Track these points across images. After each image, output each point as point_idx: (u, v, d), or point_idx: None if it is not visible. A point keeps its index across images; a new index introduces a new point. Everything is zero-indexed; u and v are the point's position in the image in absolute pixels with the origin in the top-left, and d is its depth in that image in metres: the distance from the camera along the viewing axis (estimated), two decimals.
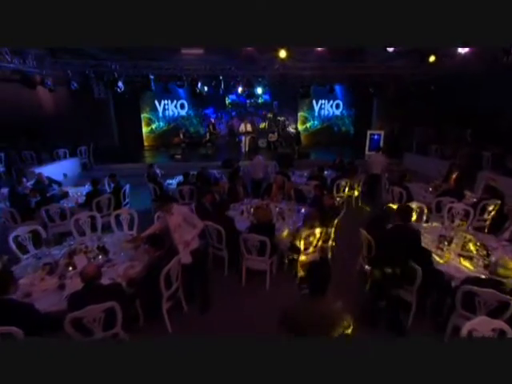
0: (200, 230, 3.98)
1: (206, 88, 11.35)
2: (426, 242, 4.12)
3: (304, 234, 4.46)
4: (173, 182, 7.62)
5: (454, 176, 6.34)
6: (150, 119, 14.83)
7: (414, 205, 5.42)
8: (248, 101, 14.44)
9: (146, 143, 14.99)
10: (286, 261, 4.96)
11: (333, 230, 4.97)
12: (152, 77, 8.74)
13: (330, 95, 13.36)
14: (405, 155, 11.49)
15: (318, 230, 4.51)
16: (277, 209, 5.53)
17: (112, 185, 6.76)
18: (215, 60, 9.05)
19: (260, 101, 14.68)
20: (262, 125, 14.17)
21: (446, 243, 3.92)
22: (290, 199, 6.35)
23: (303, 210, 5.43)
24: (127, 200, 6.83)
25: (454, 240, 3.98)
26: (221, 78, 9.20)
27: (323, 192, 5.72)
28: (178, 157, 12.20)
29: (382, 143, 12.28)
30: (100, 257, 3.78)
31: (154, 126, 15.00)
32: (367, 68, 9.02)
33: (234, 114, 14.89)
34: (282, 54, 7.12)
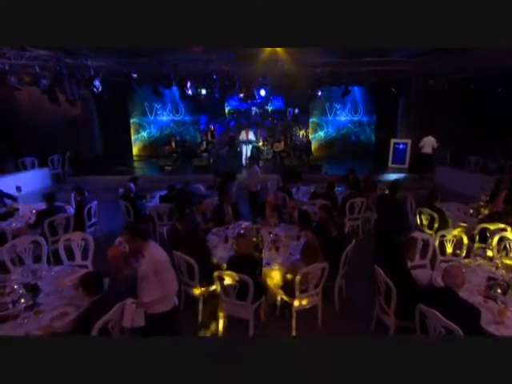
0: (167, 295, 3.15)
1: (203, 91, 11.01)
2: (467, 287, 3.35)
3: (301, 269, 3.78)
4: (149, 199, 7.12)
5: (502, 195, 5.56)
6: (140, 125, 14.59)
7: (450, 232, 4.68)
8: (254, 108, 13.94)
9: (135, 152, 14.71)
10: (279, 304, 4.28)
11: (341, 264, 4.32)
12: (135, 75, 8.41)
13: (346, 98, 12.81)
14: (437, 169, 10.76)
15: (319, 265, 3.83)
16: (270, 235, 4.89)
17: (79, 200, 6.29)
18: (209, 57, 8.68)
19: (269, 108, 14.17)
20: (269, 138, 13.54)
21: (499, 290, 3.13)
22: (293, 222, 5.69)
23: (303, 238, 4.77)
24: (94, 220, 6.33)
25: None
26: (215, 77, 8.80)
27: (331, 214, 5.04)
28: (169, 168, 11.85)
29: (408, 154, 11.58)
30: (23, 300, 3.18)
31: (145, 134, 14.74)
32: (389, 64, 8.47)
33: (232, 124, 14.19)
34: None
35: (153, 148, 14.45)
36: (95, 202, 6.32)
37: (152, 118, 14.52)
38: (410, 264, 3.96)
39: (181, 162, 12.50)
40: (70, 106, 9.77)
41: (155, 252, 3.11)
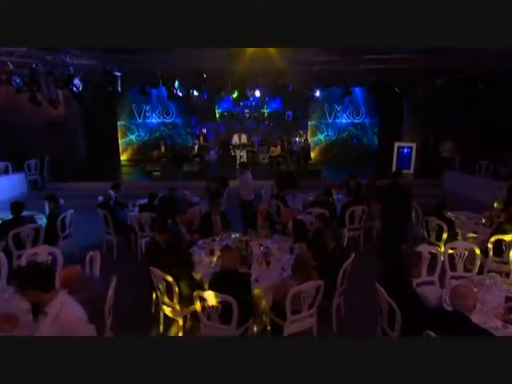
0: None
1: (195, 92, 10.82)
2: (483, 309, 3.06)
3: (292, 288, 3.50)
4: (131, 208, 6.87)
5: None
6: (128, 128, 14.43)
7: (460, 245, 4.41)
8: (248, 111, 13.69)
9: (123, 157, 14.52)
10: (269, 327, 3.98)
11: (339, 280, 4.04)
12: (118, 74, 8.19)
13: (347, 99, 12.71)
14: (445, 174, 10.56)
15: (313, 283, 3.54)
16: (261, 248, 4.63)
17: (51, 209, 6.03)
18: (199, 54, 8.51)
19: (266, 111, 13.96)
20: (264, 142, 13.31)
21: None
22: (287, 233, 5.41)
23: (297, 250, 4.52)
24: (68, 231, 6.04)
25: None
26: (205, 76, 8.61)
27: (328, 225, 4.79)
28: (157, 174, 11.65)
29: (413, 158, 11.45)
30: None
31: (133, 137, 14.59)
32: (392, 62, 8.33)
33: (221, 130, 13.86)
34: None
35: (141, 152, 14.27)
36: (70, 211, 6.02)
37: (141, 120, 14.39)
38: (416, 281, 3.70)
39: (170, 167, 12.25)
40: (51, 106, 9.58)
41: (63, 307, 2.40)
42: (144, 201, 6.82)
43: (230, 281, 3.54)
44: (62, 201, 6.31)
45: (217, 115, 13.96)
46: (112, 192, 6.50)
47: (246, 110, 13.68)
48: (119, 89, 8.37)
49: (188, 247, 4.91)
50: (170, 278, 3.74)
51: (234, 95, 9.33)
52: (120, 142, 14.43)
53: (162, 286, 3.90)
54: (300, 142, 13.13)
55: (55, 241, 5.58)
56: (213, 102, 13.21)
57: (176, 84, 8.52)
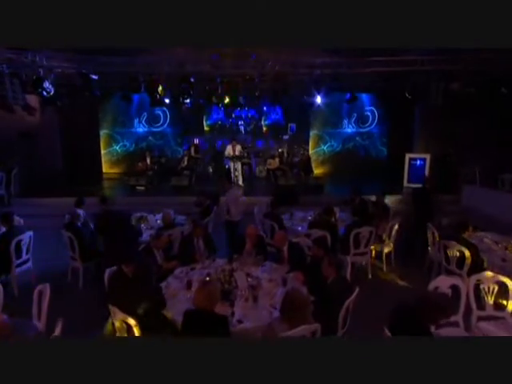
0: None
1: (187, 100, 10.58)
2: None
3: (281, 334, 3.04)
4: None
5: None
6: (111, 137, 14.35)
7: (487, 274, 3.95)
8: (241, 122, 13.34)
9: (105, 169, 14.40)
10: None
11: (341, 321, 3.61)
12: (95, 77, 7.94)
13: (352, 106, 12.68)
14: (464, 189, 10.30)
15: (307, 328, 3.09)
16: (248, 279, 4.20)
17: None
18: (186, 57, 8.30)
19: (263, 123, 13.65)
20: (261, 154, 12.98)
21: None
22: (282, 259, 4.97)
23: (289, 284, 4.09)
24: (26, 257, 5.61)
25: None
26: (192, 80, 8.36)
27: (327, 251, 4.35)
28: (141, 188, 11.48)
29: (427, 171, 11.20)
30: None
31: (117, 147, 14.50)
32: (402, 64, 8.18)
33: (205, 147, 13.30)
34: None
35: (126, 164, 14.19)
36: (28, 234, 5.57)
37: (126, 128, 14.30)
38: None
39: (157, 181, 12.11)
40: (27, 113, 9.32)
41: None
42: None
43: (202, 324, 3.10)
44: (21, 221, 5.90)
45: (205, 128, 13.69)
46: (80, 211, 6.09)
47: (241, 122, 13.36)
48: (97, 93, 8.11)
49: (162, 278, 4.47)
50: (131, 321, 3.29)
51: (226, 101, 9.04)
52: (103, 152, 14.34)
53: (122, 329, 3.45)
54: (296, 151, 12.97)
55: (8, 269, 5.16)
56: (201, 112, 12.93)
57: (159, 89, 8.23)
